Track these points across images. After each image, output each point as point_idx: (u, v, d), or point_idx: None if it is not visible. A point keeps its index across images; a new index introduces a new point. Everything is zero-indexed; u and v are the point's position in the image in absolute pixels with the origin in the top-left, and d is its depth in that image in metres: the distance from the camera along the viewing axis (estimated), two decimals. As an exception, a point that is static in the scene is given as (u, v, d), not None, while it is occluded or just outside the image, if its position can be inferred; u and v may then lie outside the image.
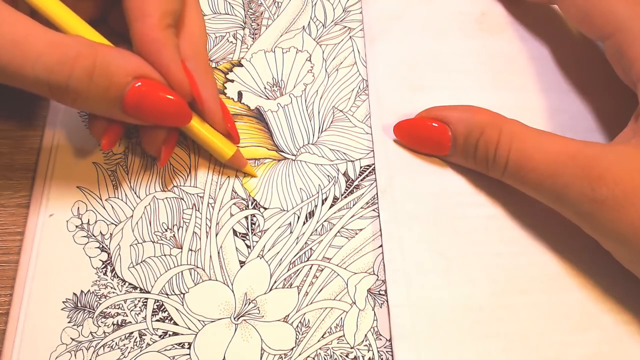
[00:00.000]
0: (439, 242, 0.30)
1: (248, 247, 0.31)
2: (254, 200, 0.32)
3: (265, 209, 0.32)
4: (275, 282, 0.30)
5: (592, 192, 0.26)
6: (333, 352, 0.28)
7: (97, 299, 0.29)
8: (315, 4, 0.38)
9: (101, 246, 0.30)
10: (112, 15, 0.32)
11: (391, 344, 0.28)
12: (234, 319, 0.29)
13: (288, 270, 0.30)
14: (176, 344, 0.28)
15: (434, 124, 0.31)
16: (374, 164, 0.33)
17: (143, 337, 0.28)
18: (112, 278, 0.30)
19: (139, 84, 0.27)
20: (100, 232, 0.31)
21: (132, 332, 0.29)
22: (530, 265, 0.30)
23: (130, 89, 0.27)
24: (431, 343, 0.28)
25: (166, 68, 0.28)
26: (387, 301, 0.29)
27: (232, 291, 0.30)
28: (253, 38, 0.36)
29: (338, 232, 0.31)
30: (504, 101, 0.34)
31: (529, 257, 0.30)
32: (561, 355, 0.28)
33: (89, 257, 0.30)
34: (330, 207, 0.32)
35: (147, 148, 0.31)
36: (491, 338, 0.28)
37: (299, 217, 0.31)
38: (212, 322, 0.29)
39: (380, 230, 0.31)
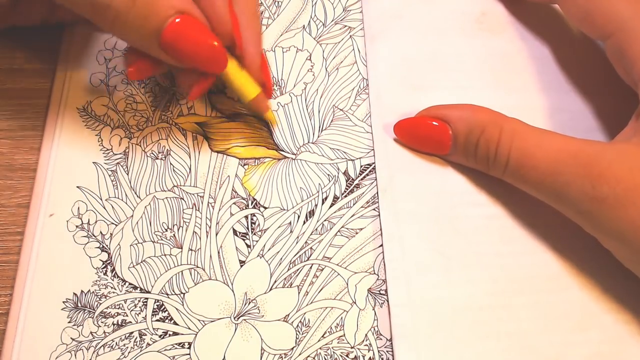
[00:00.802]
0: (440, 242, 0.30)
1: (248, 246, 0.31)
2: (254, 199, 0.32)
3: (266, 208, 0.31)
4: (275, 281, 0.30)
5: (593, 190, 0.26)
6: (333, 352, 0.28)
7: (97, 299, 0.29)
8: (316, 3, 0.38)
9: (101, 246, 0.30)
10: None
11: (391, 343, 0.28)
12: (234, 318, 0.29)
13: (288, 269, 0.30)
14: (176, 344, 0.28)
15: (434, 123, 0.31)
16: (374, 163, 0.33)
17: (143, 337, 0.28)
18: (112, 278, 0.30)
19: (180, 19, 0.27)
20: (101, 232, 0.31)
21: (132, 332, 0.28)
22: (531, 265, 0.30)
23: (171, 22, 0.27)
24: (431, 343, 0.28)
25: (212, 3, 0.28)
26: (387, 301, 0.29)
27: (232, 291, 0.30)
28: (253, 37, 0.36)
29: (338, 231, 0.31)
30: (504, 101, 0.34)
31: (529, 256, 0.30)
32: (561, 355, 0.28)
33: (89, 257, 0.30)
34: (331, 207, 0.32)
35: (181, 79, 0.31)
36: (491, 338, 0.28)
37: (299, 217, 0.31)
38: (212, 321, 0.29)
39: (381, 229, 0.31)
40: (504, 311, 0.29)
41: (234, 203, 0.32)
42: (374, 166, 0.32)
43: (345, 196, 0.32)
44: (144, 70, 0.30)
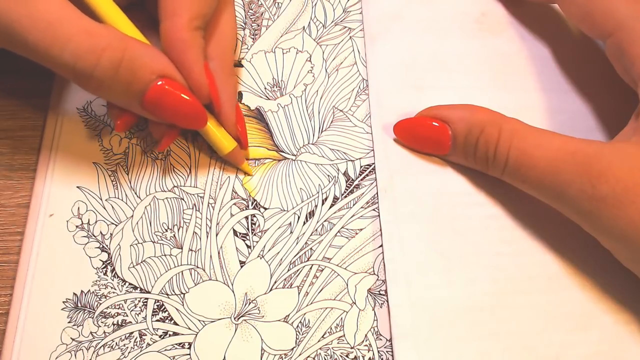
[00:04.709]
0: (439, 242, 0.30)
1: (248, 247, 0.31)
2: (254, 200, 0.32)
3: (266, 209, 0.32)
4: (275, 282, 0.30)
5: (593, 189, 0.26)
6: (333, 352, 0.28)
7: (97, 299, 0.29)
8: (316, 4, 0.38)
9: (101, 246, 0.30)
10: (149, 0, 0.32)
11: (391, 344, 0.28)
12: (234, 319, 0.29)
13: (288, 270, 0.30)
14: (176, 344, 0.28)
15: (434, 123, 0.31)
16: (374, 163, 0.33)
17: (143, 337, 0.28)
18: (112, 278, 0.30)
19: (161, 82, 0.28)
20: (101, 232, 0.31)
21: (132, 332, 0.28)
22: (530, 265, 0.30)
23: (152, 86, 0.27)
24: (431, 343, 0.28)
25: (188, 69, 0.29)
26: (387, 301, 0.29)
27: (232, 291, 0.30)
28: (253, 39, 0.36)
29: (338, 232, 0.31)
30: (504, 101, 0.34)
31: (529, 257, 0.30)
32: (561, 355, 0.28)
33: (89, 257, 0.30)
34: (331, 207, 0.32)
35: (153, 130, 0.31)
36: (491, 338, 0.28)
37: (299, 217, 0.31)
38: (212, 322, 0.29)
39: (381, 230, 0.31)
40: (504, 311, 0.29)
41: (234, 204, 0.32)
42: (374, 167, 0.32)
43: (345, 197, 0.32)
44: (130, 121, 0.30)
